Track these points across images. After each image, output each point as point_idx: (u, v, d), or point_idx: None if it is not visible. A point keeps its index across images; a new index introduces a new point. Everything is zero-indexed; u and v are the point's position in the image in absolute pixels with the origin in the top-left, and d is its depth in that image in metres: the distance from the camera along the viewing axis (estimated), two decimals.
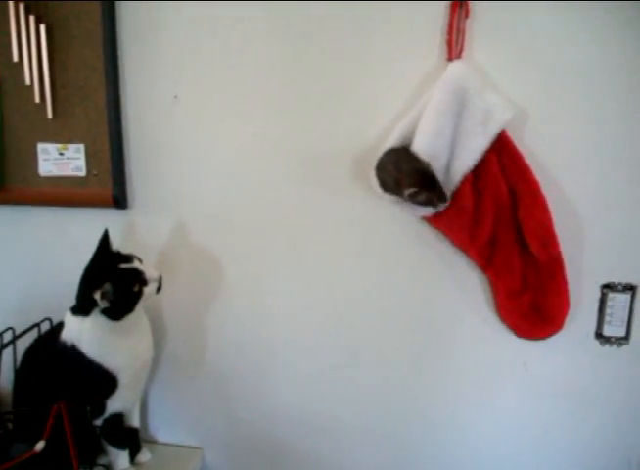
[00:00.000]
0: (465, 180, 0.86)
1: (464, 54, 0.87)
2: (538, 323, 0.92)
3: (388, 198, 0.89)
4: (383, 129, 0.92)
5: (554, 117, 0.88)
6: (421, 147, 0.83)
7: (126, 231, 1.05)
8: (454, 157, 0.85)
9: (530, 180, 0.87)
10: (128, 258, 0.90)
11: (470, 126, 0.84)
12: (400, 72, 0.91)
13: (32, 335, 0.99)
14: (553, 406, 0.99)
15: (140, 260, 0.91)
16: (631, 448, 0.98)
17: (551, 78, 0.87)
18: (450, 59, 0.87)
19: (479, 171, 0.87)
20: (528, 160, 0.88)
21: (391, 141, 0.87)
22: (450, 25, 0.87)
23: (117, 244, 0.92)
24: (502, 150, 0.86)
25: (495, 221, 0.88)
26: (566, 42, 0.86)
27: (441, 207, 0.85)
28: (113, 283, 0.85)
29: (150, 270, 0.91)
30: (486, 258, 0.91)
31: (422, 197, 0.82)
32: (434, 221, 0.91)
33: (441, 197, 0.83)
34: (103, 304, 0.84)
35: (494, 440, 1.02)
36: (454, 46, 0.87)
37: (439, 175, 0.84)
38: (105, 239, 0.90)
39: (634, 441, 0.98)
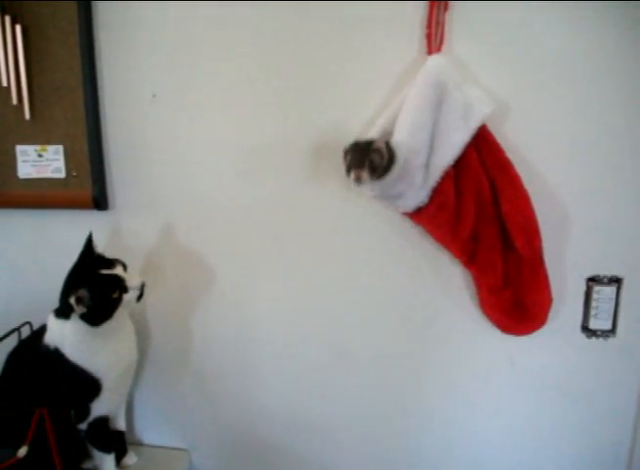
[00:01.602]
0: (446, 176, 0.86)
1: (444, 48, 0.86)
2: (521, 319, 0.91)
3: (369, 193, 0.89)
4: (363, 124, 0.91)
5: (535, 111, 0.88)
6: (400, 141, 0.82)
7: (107, 233, 1.04)
8: (434, 152, 0.84)
9: (512, 174, 0.86)
10: (111, 264, 0.88)
11: (450, 120, 0.84)
12: (380, 67, 0.90)
13: (12, 339, 0.98)
14: (540, 400, 0.98)
15: (124, 266, 0.90)
16: (618, 441, 0.98)
17: (532, 71, 0.87)
18: (430, 53, 0.86)
19: (459, 167, 0.86)
20: (510, 153, 0.87)
21: (371, 136, 0.86)
22: (429, 19, 0.86)
23: (97, 245, 0.91)
24: (482, 144, 0.85)
25: (477, 217, 0.88)
26: (546, 35, 0.85)
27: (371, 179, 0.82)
28: (90, 289, 0.83)
29: (132, 277, 0.89)
30: (468, 254, 0.90)
31: (347, 159, 0.83)
32: (415, 217, 0.91)
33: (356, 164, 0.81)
34: (79, 309, 0.83)
35: (482, 435, 1.02)
36: (433, 40, 0.86)
37: (419, 171, 0.83)
38: (88, 243, 0.89)
39: (621, 433, 0.98)
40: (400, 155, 0.82)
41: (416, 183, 0.85)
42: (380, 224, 0.96)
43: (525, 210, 0.86)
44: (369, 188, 0.86)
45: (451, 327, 0.98)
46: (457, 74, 0.84)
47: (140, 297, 0.90)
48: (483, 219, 0.88)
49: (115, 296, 0.86)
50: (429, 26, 0.86)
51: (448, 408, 1.02)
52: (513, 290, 0.91)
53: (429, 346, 1.00)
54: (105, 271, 0.86)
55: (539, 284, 0.90)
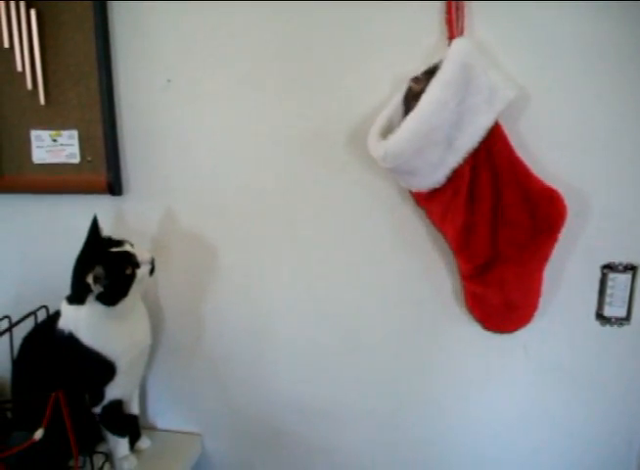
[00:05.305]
0: (467, 160, 0.85)
1: (466, 33, 0.85)
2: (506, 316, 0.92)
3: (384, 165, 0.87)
4: (377, 110, 0.90)
5: (556, 96, 0.87)
6: (424, 114, 0.81)
7: (121, 218, 1.04)
8: (461, 133, 0.83)
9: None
10: (119, 243, 0.90)
11: (475, 103, 0.82)
12: (399, 53, 0.89)
13: (29, 323, 0.99)
14: (553, 388, 0.98)
15: (131, 244, 0.91)
16: (632, 430, 0.98)
17: (554, 57, 0.86)
18: (451, 38, 0.85)
19: (477, 155, 0.85)
20: (529, 138, 0.87)
21: (383, 116, 0.87)
22: (449, 4, 0.85)
23: (112, 230, 0.92)
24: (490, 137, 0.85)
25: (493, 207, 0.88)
26: (568, 20, 0.84)
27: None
28: (104, 266, 0.84)
29: (142, 253, 0.90)
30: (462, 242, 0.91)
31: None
32: (429, 201, 0.90)
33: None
34: (96, 288, 0.84)
35: (495, 422, 1.02)
36: (455, 25, 0.85)
37: (436, 148, 0.83)
38: (94, 225, 0.90)
39: (635, 421, 0.98)
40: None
41: (431, 161, 0.84)
42: (396, 211, 0.95)
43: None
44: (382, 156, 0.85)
45: (466, 314, 0.98)
46: (482, 58, 0.83)
47: (152, 271, 0.92)
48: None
49: (129, 272, 0.87)
50: (449, 11, 0.85)
51: (460, 396, 1.02)
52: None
53: (441, 333, 1.00)
54: (115, 249, 0.88)
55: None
